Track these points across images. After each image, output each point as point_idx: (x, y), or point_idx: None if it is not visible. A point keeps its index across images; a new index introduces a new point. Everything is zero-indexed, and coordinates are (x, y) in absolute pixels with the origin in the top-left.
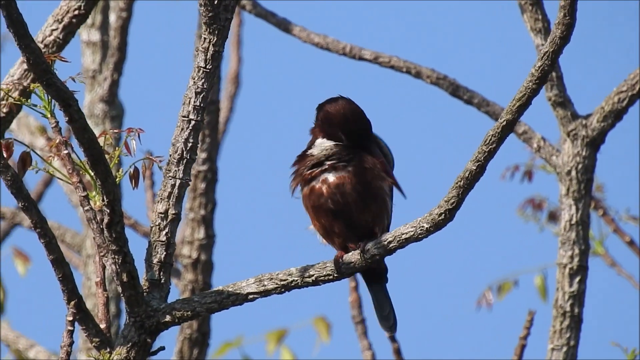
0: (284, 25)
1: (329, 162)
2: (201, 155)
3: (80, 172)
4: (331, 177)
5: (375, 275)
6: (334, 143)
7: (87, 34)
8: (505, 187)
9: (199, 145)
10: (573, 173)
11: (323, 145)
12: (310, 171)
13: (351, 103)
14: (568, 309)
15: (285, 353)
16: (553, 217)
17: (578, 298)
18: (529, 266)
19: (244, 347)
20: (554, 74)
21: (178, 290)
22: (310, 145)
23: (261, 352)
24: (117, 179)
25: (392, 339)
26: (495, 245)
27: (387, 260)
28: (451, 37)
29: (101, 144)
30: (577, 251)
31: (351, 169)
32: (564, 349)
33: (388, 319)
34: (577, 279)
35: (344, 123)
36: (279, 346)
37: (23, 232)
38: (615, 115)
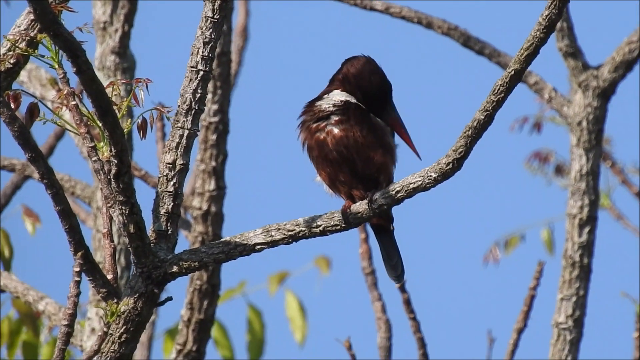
0: None
1: (335, 117)
2: (212, 107)
3: (89, 123)
4: (335, 129)
5: (382, 225)
6: (346, 99)
7: None
8: (515, 139)
9: (209, 97)
10: (584, 123)
11: (334, 98)
12: (316, 124)
13: (373, 64)
14: (577, 259)
15: (289, 297)
16: (560, 170)
17: (587, 248)
18: (536, 220)
19: (248, 293)
20: (564, 24)
21: (188, 242)
22: (322, 95)
23: (265, 298)
24: (125, 130)
25: (402, 289)
26: (502, 199)
27: (396, 212)
28: None
29: (109, 94)
30: (587, 201)
31: (354, 122)
32: (573, 298)
33: (396, 268)
34: (587, 229)
35: (364, 83)
36: (281, 289)
37: (34, 187)
38: (627, 66)
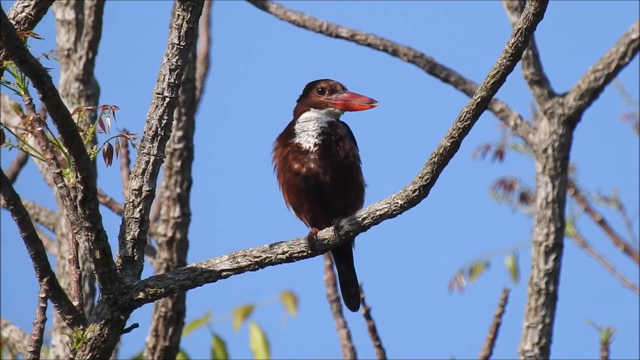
0: (261, 3)
1: (309, 145)
2: (177, 133)
3: (55, 149)
4: (312, 164)
5: (343, 253)
6: (316, 116)
7: (62, 12)
8: (479, 167)
9: (174, 123)
10: (549, 151)
11: (305, 120)
12: (294, 154)
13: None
14: (543, 286)
15: (254, 329)
16: (525, 198)
17: (553, 276)
18: (500, 247)
19: (213, 323)
20: (530, 52)
21: (153, 268)
22: (294, 121)
23: (230, 328)
24: (91, 156)
25: (367, 316)
26: (467, 226)
27: (362, 240)
28: (429, 15)
29: (75, 121)
30: (552, 229)
31: (329, 156)
32: (540, 326)
33: (353, 297)
34: (553, 256)
35: (321, 81)
36: (246, 322)
37: None
38: (592, 94)
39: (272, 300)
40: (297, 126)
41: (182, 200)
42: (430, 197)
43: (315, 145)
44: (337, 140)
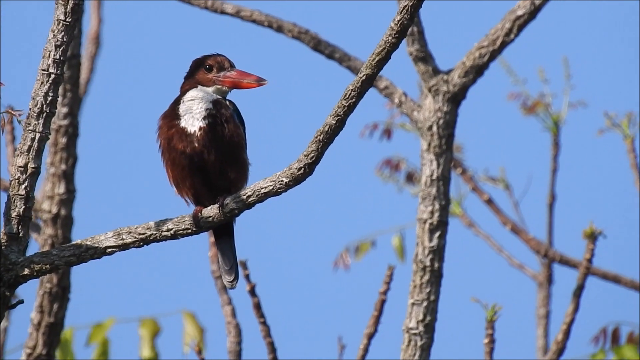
0: None
1: (194, 129)
2: (62, 110)
3: None
4: (195, 142)
5: (223, 229)
6: (202, 95)
7: None
8: (366, 145)
9: (59, 100)
10: (434, 128)
11: (190, 98)
12: (173, 132)
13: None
14: (428, 263)
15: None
16: (411, 178)
17: (438, 253)
18: (387, 227)
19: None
20: (415, 29)
21: (38, 245)
22: (179, 99)
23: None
24: None
25: (252, 293)
26: (353, 205)
27: (248, 217)
28: None
29: None
30: (437, 207)
31: (214, 138)
32: (424, 303)
33: (230, 272)
34: (437, 234)
35: (208, 58)
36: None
37: None
38: (477, 71)
39: (173, 314)
40: (181, 106)
41: (67, 177)
42: (317, 176)
43: (200, 129)
44: (222, 122)
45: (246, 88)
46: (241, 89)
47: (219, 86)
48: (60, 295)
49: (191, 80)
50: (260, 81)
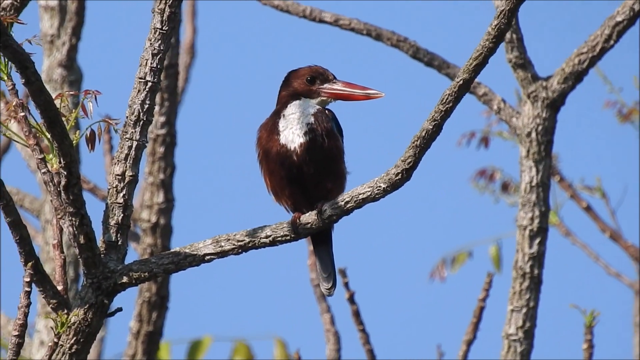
0: None
1: (294, 146)
2: (160, 119)
3: (37, 135)
4: (292, 145)
5: (321, 236)
6: (302, 109)
7: None
8: (463, 154)
9: (157, 109)
10: (533, 135)
11: (292, 112)
12: (271, 142)
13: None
14: (528, 270)
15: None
16: (506, 187)
17: (538, 259)
18: (483, 237)
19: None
20: (514, 35)
21: (137, 254)
22: (279, 111)
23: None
24: (73, 142)
25: (351, 301)
26: (450, 214)
27: (346, 225)
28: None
29: (58, 106)
30: (537, 213)
31: (314, 152)
32: (524, 310)
33: (328, 280)
34: (537, 240)
35: (310, 69)
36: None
37: None
38: (576, 77)
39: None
40: (282, 121)
41: (166, 186)
42: (414, 183)
43: (300, 145)
44: (322, 137)
45: (356, 100)
46: (350, 101)
47: (324, 98)
48: (158, 304)
49: (291, 90)
50: (374, 95)
